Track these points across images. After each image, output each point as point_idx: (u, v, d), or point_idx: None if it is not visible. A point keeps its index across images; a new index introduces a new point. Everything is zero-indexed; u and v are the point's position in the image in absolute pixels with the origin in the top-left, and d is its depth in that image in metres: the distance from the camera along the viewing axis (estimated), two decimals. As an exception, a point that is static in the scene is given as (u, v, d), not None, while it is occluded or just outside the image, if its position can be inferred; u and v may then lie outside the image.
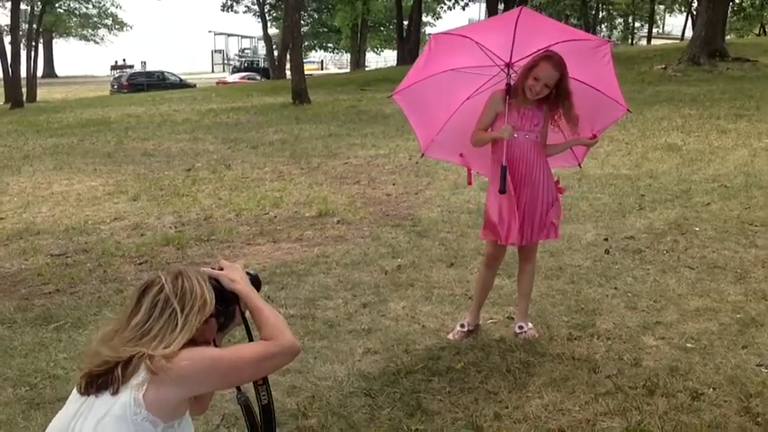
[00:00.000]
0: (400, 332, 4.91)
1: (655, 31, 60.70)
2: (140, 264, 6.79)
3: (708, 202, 7.89)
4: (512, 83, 4.48)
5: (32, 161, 13.27)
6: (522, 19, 4.38)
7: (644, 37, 59.15)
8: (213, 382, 2.29)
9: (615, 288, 5.55)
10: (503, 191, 4.44)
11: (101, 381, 2.19)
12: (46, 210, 9.27)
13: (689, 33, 42.58)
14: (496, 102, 4.52)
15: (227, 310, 2.40)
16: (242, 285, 2.44)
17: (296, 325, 5.10)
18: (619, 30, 62.51)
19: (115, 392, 2.16)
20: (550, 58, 4.30)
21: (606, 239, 6.77)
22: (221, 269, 2.49)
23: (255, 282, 2.53)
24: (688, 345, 4.51)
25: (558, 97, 4.41)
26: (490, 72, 4.61)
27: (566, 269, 6.00)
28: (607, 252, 6.41)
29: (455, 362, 4.41)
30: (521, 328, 4.72)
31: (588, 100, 4.52)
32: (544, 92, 4.37)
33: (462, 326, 4.81)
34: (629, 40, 58.61)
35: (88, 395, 2.21)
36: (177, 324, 2.24)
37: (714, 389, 3.95)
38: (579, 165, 5.03)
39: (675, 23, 65.74)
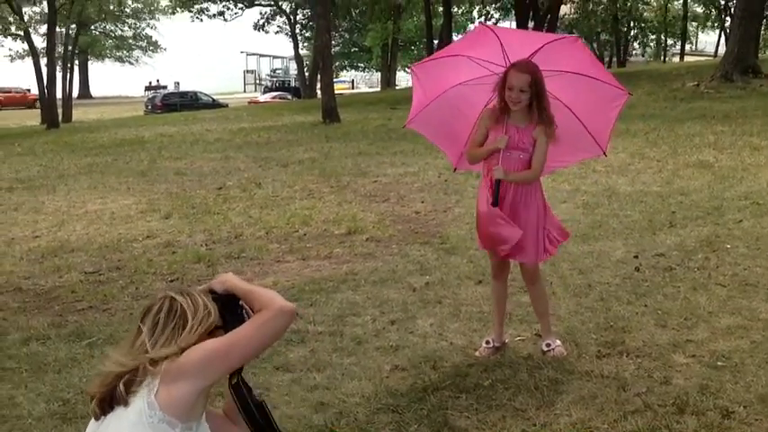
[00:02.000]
0: (428, 349, 4.92)
1: (687, 47, 60.27)
2: (172, 281, 6.87)
3: (740, 219, 7.81)
4: None
5: (67, 180, 13.47)
6: (498, 32, 4.61)
7: (677, 54, 58.71)
8: (219, 366, 2.30)
9: (645, 305, 5.51)
10: (495, 204, 4.52)
11: (110, 399, 2.23)
12: (80, 228, 9.41)
13: (722, 50, 42.22)
14: (485, 118, 4.63)
15: (235, 316, 2.42)
16: (232, 280, 2.47)
17: (324, 341, 5.13)
18: (651, 46, 62.10)
19: (126, 404, 2.20)
20: (515, 64, 4.42)
21: (636, 257, 6.72)
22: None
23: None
24: (719, 363, 4.46)
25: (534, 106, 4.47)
26: (494, 81, 4.63)
27: (595, 286, 5.97)
28: (637, 269, 6.36)
29: (483, 379, 4.41)
30: (548, 345, 4.71)
31: (589, 89, 4.63)
32: (523, 98, 4.41)
33: (488, 342, 4.80)
34: (662, 57, 58.21)
35: (104, 416, 2.25)
36: (181, 335, 2.28)
37: (745, 407, 3.91)
38: (604, 153, 4.95)
39: (708, 40, 65.19)
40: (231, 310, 2.43)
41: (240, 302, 2.43)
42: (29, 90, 54.94)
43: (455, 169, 5.33)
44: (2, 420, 4.17)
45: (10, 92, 57.31)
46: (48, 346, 5.31)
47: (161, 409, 2.18)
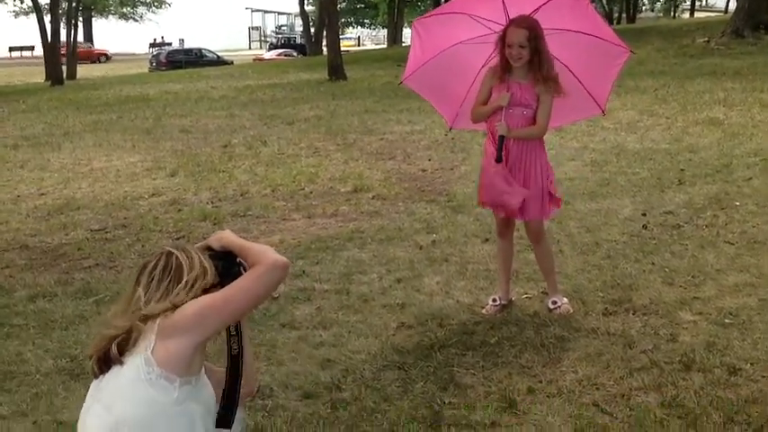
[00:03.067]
0: (434, 307, 4.92)
1: (697, 3, 59.52)
2: (178, 239, 6.87)
3: (749, 176, 7.75)
4: None
5: (72, 138, 13.44)
6: None
7: (687, 10, 58.00)
8: (213, 320, 2.28)
9: (652, 263, 5.49)
10: (499, 159, 4.50)
11: (107, 359, 2.24)
12: (86, 185, 9.40)
13: (732, 6, 41.67)
14: (488, 77, 4.60)
15: (231, 272, 2.41)
16: (228, 237, 2.46)
17: (330, 299, 5.13)
18: (661, 2, 61.34)
19: (122, 364, 2.21)
20: (513, 20, 4.41)
21: (644, 214, 6.69)
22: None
23: None
24: (726, 320, 4.45)
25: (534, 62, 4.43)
26: (495, 39, 4.58)
27: (602, 244, 5.95)
28: (645, 227, 6.33)
29: (489, 336, 4.41)
30: (554, 303, 4.70)
31: (590, 48, 4.57)
32: (523, 54, 4.38)
33: (494, 300, 4.80)
34: (672, 13, 57.51)
35: (103, 375, 2.25)
36: (176, 292, 2.28)
37: (752, 364, 3.90)
38: (603, 112, 4.92)
39: (719, -5, 64.40)
40: (228, 267, 2.41)
41: (238, 260, 2.42)
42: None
43: (450, 128, 5.34)
44: (10, 376, 4.20)
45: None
46: (54, 303, 5.33)
47: (158, 365, 2.18)
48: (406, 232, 6.62)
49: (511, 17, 4.46)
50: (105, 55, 59.24)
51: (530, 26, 4.35)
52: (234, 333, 2.48)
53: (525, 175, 4.57)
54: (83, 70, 39.09)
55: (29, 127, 15.39)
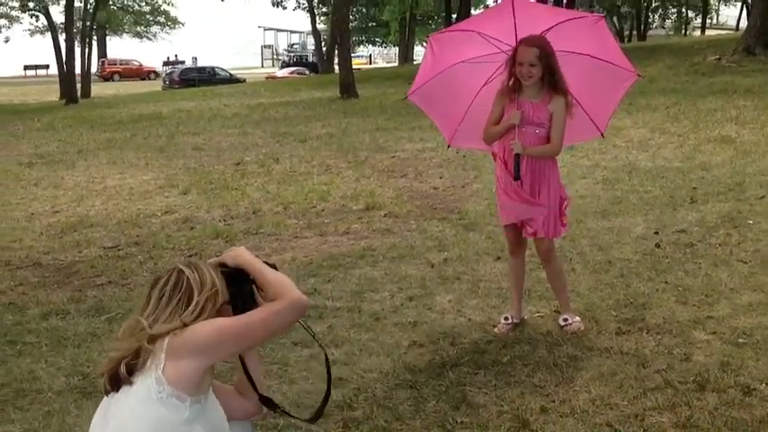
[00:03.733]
0: (446, 325, 4.90)
1: (709, 21, 59.48)
2: (190, 256, 6.88)
3: (762, 194, 7.71)
4: None
5: (86, 155, 13.53)
6: (518, 6, 4.47)
7: (698, 27, 57.94)
8: (227, 347, 2.30)
9: (665, 282, 5.46)
10: (516, 177, 4.50)
11: (117, 378, 2.24)
12: (99, 203, 9.45)
13: (744, 23, 41.61)
14: (499, 97, 4.59)
15: (243, 290, 2.41)
16: (244, 256, 2.45)
17: (342, 317, 5.13)
18: (672, 20, 61.33)
19: (131, 384, 2.21)
20: (523, 39, 4.40)
21: (657, 233, 6.66)
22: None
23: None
24: (740, 340, 4.41)
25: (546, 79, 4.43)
26: (501, 59, 4.61)
27: (615, 263, 5.92)
28: (658, 246, 6.31)
29: (501, 355, 4.39)
30: (565, 320, 4.69)
31: (595, 71, 4.59)
32: (534, 72, 4.38)
33: (506, 319, 4.79)
34: (683, 31, 57.47)
35: (114, 392, 2.26)
36: (186, 311, 2.28)
37: (766, 384, 3.86)
38: (602, 134, 4.91)
39: (730, 14, 64.35)
40: (240, 286, 2.41)
41: (250, 277, 2.42)
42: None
43: (449, 146, 5.35)
44: (22, 394, 4.21)
45: (128, 64, 61.46)
46: (67, 321, 5.34)
47: (169, 384, 2.18)
48: (417, 250, 6.62)
49: (520, 37, 4.46)
50: (155, 72, 61.16)
51: (540, 45, 4.36)
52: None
53: (537, 194, 4.57)
54: (97, 89, 39.35)
55: (43, 145, 15.50)
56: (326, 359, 2.71)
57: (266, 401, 2.58)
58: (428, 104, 5.06)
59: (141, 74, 59.13)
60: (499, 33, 4.56)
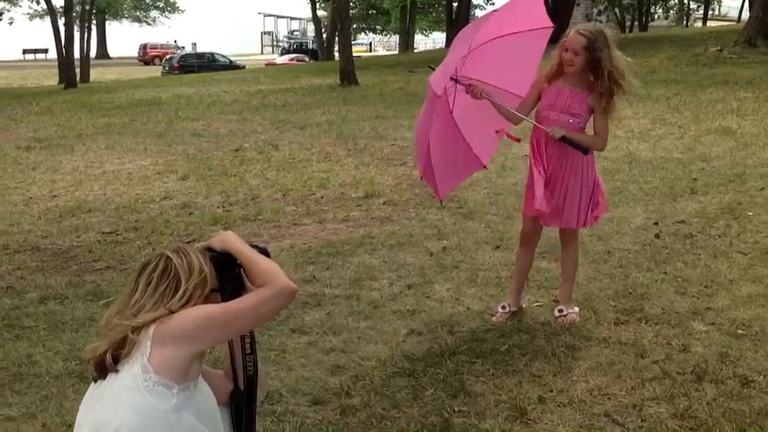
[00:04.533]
0: (444, 314, 4.90)
1: (710, 12, 59.28)
2: (188, 242, 6.86)
3: (762, 186, 7.70)
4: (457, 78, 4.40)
5: (85, 140, 13.49)
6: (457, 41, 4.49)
7: (699, 18, 57.76)
8: (214, 334, 2.29)
9: (665, 273, 5.46)
10: (586, 152, 4.44)
11: (103, 366, 2.23)
12: (97, 188, 9.42)
13: (745, 15, 41.48)
14: (540, 80, 4.52)
15: (231, 274, 2.40)
16: (233, 242, 2.43)
17: (340, 305, 5.12)
18: (674, 11, 61.16)
19: (117, 372, 2.20)
20: (578, 27, 4.38)
21: (656, 223, 6.66)
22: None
23: (264, 254, 2.50)
24: (739, 331, 4.42)
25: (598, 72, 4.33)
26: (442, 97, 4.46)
27: (614, 253, 5.92)
28: (657, 236, 6.30)
29: (499, 344, 4.39)
30: (561, 311, 4.67)
31: (505, 50, 4.50)
32: (575, 61, 4.31)
33: (504, 307, 4.78)
34: (685, 22, 57.29)
35: (102, 380, 2.25)
36: (172, 298, 2.26)
37: (765, 376, 3.87)
38: (485, 166, 4.89)
39: (732, 5, 64.10)
40: (228, 271, 2.39)
41: (238, 262, 2.40)
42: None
43: (441, 202, 5.39)
44: (20, 378, 4.20)
45: (167, 48, 62.34)
46: (65, 305, 5.33)
47: (155, 372, 2.17)
48: (416, 238, 6.61)
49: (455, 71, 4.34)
50: None
51: (590, 35, 4.27)
52: (249, 352, 2.48)
53: (565, 182, 4.50)
54: (96, 73, 39.20)
55: (41, 129, 15.45)
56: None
57: (234, 395, 2.54)
58: (428, 175, 4.76)
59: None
60: (439, 78, 4.40)
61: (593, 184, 4.57)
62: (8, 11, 47.75)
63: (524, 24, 4.56)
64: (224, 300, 2.36)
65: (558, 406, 3.69)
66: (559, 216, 4.56)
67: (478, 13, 59.93)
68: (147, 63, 56.30)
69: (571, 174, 4.50)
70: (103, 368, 2.23)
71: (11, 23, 51.61)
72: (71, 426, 3.58)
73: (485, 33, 4.40)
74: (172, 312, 2.23)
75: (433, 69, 4.55)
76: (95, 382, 2.29)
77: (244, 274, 2.42)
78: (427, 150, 4.53)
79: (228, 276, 2.40)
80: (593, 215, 4.63)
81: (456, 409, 3.70)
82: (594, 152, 4.59)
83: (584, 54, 4.28)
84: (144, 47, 61.62)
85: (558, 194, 4.51)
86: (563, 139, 4.38)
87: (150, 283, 2.31)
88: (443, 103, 4.49)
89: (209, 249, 2.43)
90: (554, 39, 4.60)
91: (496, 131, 4.76)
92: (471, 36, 4.41)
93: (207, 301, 2.32)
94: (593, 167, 4.58)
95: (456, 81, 4.41)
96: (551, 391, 3.83)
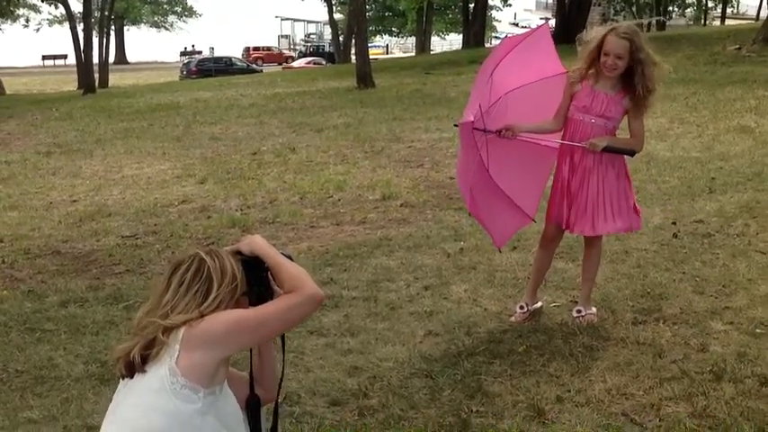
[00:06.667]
0: (462, 315, 4.90)
1: (729, 10, 58.90)
2: (207, 245, 6.90)
3: (781, 185, 7.65)
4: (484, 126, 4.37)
5: (104, 145, 13.60)
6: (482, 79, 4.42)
7: (717, 17, 57.40)
8: (243, 339, 2.30)
9: (683, 272, 5.44)
10: (632, 154, 4.44)
11: (132, 366, 2.25)
12: (117, 192, 9.50)
13: (764, 13, 41.21)
14: (570, 83, 4.46)
15: (259, 278, 2.41)
16: (261, 246, 2.44)
17: (358, 306, 5.14)
18: (692, 10, 60.79)
19: (144, 372, 2.22)
20: (614, 29, 4.27)
21: (674, 223, 6.63)
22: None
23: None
24: (757, 330, 4.40)
25: (636, 74, 4.28)
26: (470, 139, 4.44)
27: (632, 253, 5.90)
28: (675, 236, 6.28)
29: (517, 345, 4.39)
30: (579, 311, 4.66)
31: (530, 98, 4.53)
32: (619, 65, 4.25)
33: (521, 307, 4.77)
34: (702, 21, 56.94)
35: (130, 377, 2.27)
36: (204, 301, 2.27)
37: (784, 375, 3.85)
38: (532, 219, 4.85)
39: (750, 3, 63.71)
40: (256, 275, 2.41)
41: (266, 266, 2.42)
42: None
43: (499, 250, 5.29)
44: (41, 381, 4.25)
45: (270, 49, 66.39)
46: (86, 309, 5.38)
47: (183, 375, 2.18)
48: (433, 240, 6.62)
49: (480, 109, 4.33)
50: (292, 57, 64.26)
51: (632, 37, 4.21)
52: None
53: (596, 189, 4.45)
54: (114, 78, 39.51)
55: (61, 134, 15.59)
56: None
57: (250, 402, 2.55)
58: (478, 214, 4.76)
59: (280, 59, 62.22)
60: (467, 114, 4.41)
61: (617, 191, 4.52)
62: (27, 20, 48.18)
63: (540, 71, 4.57)
64: (252, 303, 2.38)
65: (576, 406, 3.69)
66: (591, 222, 4.50)
67: (495, 14, 59.87)
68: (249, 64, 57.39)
69: (608, 181, 4.46)
70: (132, 368, 2.25)
71: (38, 30, 52.10)
72: (92, 428, 3.64)
73: (504, 81, 4.41)
74: (202, 315, 2.24)
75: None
76: (123, 379, 2.31)
77: (271, 278, 2.44)
78: (471, 194, 4.55)
79: (256, 280, 2.41)
80: (635, 217, 4.61)
81: (474, 410, 3.70)
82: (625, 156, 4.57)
83: (627, 57, 4.24)
84: (247, 49, 64.89)
85: (596, 202, 4.46)
86: (606, 149, 4.36)
87: (183, 283, 2.31)
88: (478, 160, 4.45)
89: (238, 253, 2.45)
90: (570, 39, 4.59)
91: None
92: (489, 81, 4.39)
93: (236, 304, 2.33)
94: (626, 171, 4.56)
95: (485, 131, 4.36)
96: (569, 391, 3.83)
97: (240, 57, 59.00)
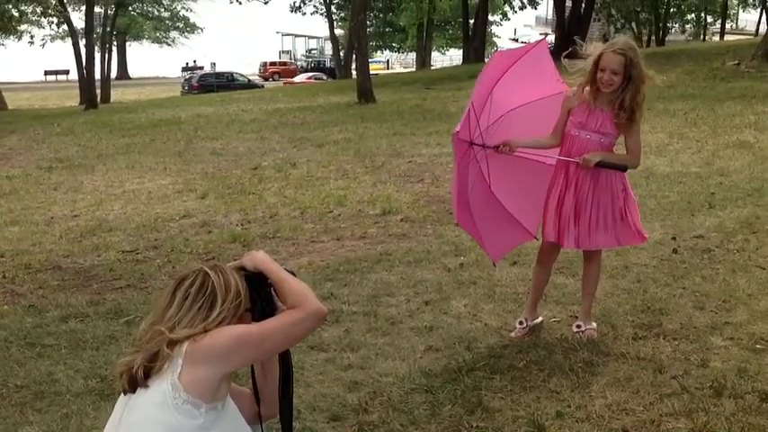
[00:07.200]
0: (462, 330, 4.90)
1: (728, 26, 59.10)
2: (208, 260, 6.92)
3: (781, 200, 7.67)
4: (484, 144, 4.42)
5: (106, 160, 13.64)
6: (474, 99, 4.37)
7: (717, 32, 57.60)
8: (246, 354, 2.31)
9: (683, 288, 5.44)
10: (624, 169, 4.44)
11: (135, 380, 2.25)
12: (118, 207, 9.52)
13: (763, 28, 41.34)
14: (569, 99, 4.48)
15: (262, 293, 2.42)
16: (264, 261, 2.45)
17: (358, 321, 5.14)
18: (690, 25, 61.01)
19: (146, 387, 2.22)
20: (611, 45, 4.31)
21: (674, 238, 6.64)
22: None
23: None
24: (757, 346, 4.39)
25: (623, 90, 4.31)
26: (467, 156, 4.48)
27: (632, 268, 5.91)
28: (675, 251, 6.29)
29: (517, 360, 4.39)
30: (578, 327, 4.66)
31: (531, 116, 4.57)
32: (615, 81, 4.27)
33: (521, 323, 4.77)
34: (701, 36, 57.13)
35: (131, 393, 2.27)
36: (208, 316, 2.28)
37: (784, 391, 3.85)
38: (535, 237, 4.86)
39: (749, 19, 63.95)
40: (260, 290, 2.42)
41: (269, 281, 2.42)
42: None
43: (495, 264, 5.36)
44: (41, 396, 4.25)
45: (285, 64, 68.45)
46: (86, 324, 5.38)
47: (185, 391, 2.18)
48: (434, 255, 6.62)
49: (478, 124, 4.35)
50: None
51: (627, 53, 4.24)
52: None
53: (595, 205, 4.47)
54: (116, 94, 39.62)
55: (63, 149, 15.63)
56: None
57: (259, 417, 2.56)
58: (467, 227, 4.85)
59: (295, 73, 62.78)
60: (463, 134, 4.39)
61: (621, 206, 4.55)
62: (31, 36, 48.35)
63: (541, 89, 4.61)
64: (255, 319, 2.38)
65: (576, 421, 3.68)
66: (580, 237, 4.52)
67: (495, 29, 60.08)
68: (266, 79, 58.78)
69: (602, 196, 4.48)
70: (135, 382, 2.26)
71: (43, 46, 52.31)
72: (92, 443, 3.63)
73: (504, 99, 4.46)
74: (206, 331, 2.25)
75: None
76: (125, 394, 2.31)
77: (274, 293, 2.44)
78: (468, 208, 4.57)
79: (260, 295, 2.42)
80: (638, 230, 4.63)
81: (474, 425, 3.70)
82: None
83: (622, 73, 4.26)
84: (264, 64, 66.88)
85: (590, 217, 4.48)
86: (599, 164, 4.38)
87: (187, 298, 2.32)
88: (478, 175, 4.49)
89: (242, 268, 2.46)
90: (570, 54, 4.61)
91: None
92: (489, 98, 4.42)
93: (239, 320, 2.34)
94: (626, 185, 4.58)
95: (483, 146, 4.41)
96: (569, 407, 3.82)
97: (258, 71, 62.27)
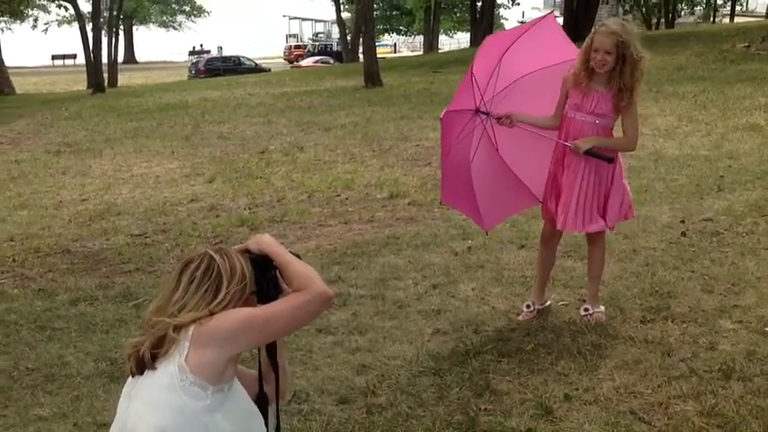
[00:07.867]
0: (470, 313, 4.91)
1: (738, 8, 58.66)
2: (216, 244, 6.93)
3: (791, 183, 7.63)
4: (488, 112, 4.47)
5: (113, 144, 13.66)
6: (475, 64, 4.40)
7: (727, 14, 57.19)
8: (252, 337, 2.31)
9: (692, 271, 5.43)
10: (611, 161, 4.44)
11: (142, 363, 2.26)
12: (126, 191, 9.54)
13: (774, 10, 41.01)
14: (566, 81, 4.48)
15: (267, 276, 2.42)
16: (269, 244, 2.45)
17: (366, 305, 5.15)
18: (700, 7, 60.62)
19: (154, 369, 2.23)
20: (602, 26, 4.35)
21: (683, 221, 6.62)
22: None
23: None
24: (766, 329, 4.38)
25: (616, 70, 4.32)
26: (470, 124, 4.53)
27: (640, 251, 5.89)
28: (684, 234, 6.27)
29: (525, 343, 4.40)
30: (586, 310, 4.66)
31: (539, 84, 4.59)
32: (608, 60, 4.27)
33: (528, 306, 4.78)
34: (711, 18, 56.73)
35: (140, 374, 2.28)
36: (214, 299, 2.28)
37: (793, 374, 3.84)
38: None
39: (760, 0, 63.48)
40: (265, 273, 2.42)
41: (274, 264, 2.42)
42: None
43: (487, 233, 5.44)
44: (51, 379, 4.28)
45: (306, 47, 68.27)
46: (95, 307, 5.41)
47: (192, 373, 2.19)
48: (441, 238, 6.62)
49: (482, 94, 4.39)
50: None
51: (618, 32, 4.24)
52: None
53: (586, 187, 4.47)
54: (123, 78, 39.63)
55: (71, 134, 15.66)
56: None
57: (260, 398, 2.56)
58: (457, 202, 4.97)
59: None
60: (466, 101, 4.46)
61: (621, 189, 4.56)
62: (35, 20, 48.38)
63: (550, 58, 4.61)
64: (260, 301, 2.39)
65: (584, 404, 3.69)
66: (582, 220, 4.51)
67: (503, 12, 59.80)
68: (291, 62, 59.34)
69: (595, 179, 4.47)
70: (143, 365, 2.27)
71: (45, 31, 52.34)
72: (102, 425, 3.66)
73: (512, 69, 4.47)
74: (212, 314, 2.26)
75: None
76: (132, 377, 2.32)
77: (279, 276, 2.45)
78: (467, 180, 4.59)
79: (265, 278, 2.42)
80: (621, 215, 4.63)
81: (482, 408, 3.71)
82: (621, 156, 4.57)
83: (615, 52, 4.26)
84: (290, 47, 67.74)
85: (572, 198, 4.47)
86: (588, 152, 4.38)
87: (193, 281, 2.33)
88: (486, 139, 4.56)
89: (247, 251, 2.46)
90: (577, 37, 4.60)
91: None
92: (497, 67, 4.43)
93: (245, 303, 2.35)
94: (620, 171, 4.57)
95: (488, 114, 4.46)
96: (577, 390, 3.83)
97: (282, 53, 64.34)
